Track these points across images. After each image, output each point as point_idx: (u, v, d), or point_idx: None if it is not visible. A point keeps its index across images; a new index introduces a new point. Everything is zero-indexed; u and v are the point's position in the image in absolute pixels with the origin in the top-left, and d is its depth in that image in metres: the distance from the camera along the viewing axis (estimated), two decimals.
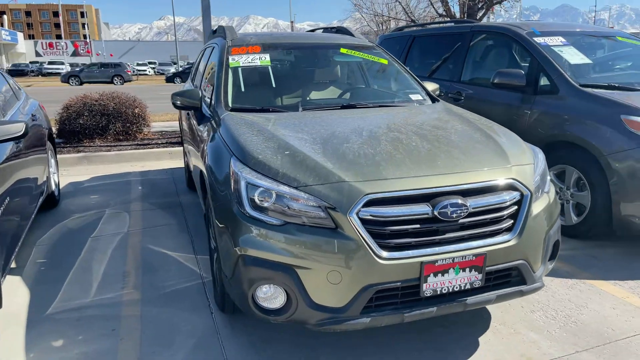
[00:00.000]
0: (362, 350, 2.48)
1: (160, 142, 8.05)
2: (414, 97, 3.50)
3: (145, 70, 49.00)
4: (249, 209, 2.19)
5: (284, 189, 2.15)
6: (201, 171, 3.05)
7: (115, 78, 34.98)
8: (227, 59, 3.49)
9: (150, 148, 7.54)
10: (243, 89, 3.34)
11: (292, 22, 49.66)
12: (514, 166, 2.37)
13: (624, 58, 4.80)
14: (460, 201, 2.12)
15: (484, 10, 10.11)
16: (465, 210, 2.12)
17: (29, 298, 3.07)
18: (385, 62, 3.85)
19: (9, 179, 3.05)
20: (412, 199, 2.11)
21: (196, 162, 3.48)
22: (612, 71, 4.54)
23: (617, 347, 2.48)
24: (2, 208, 2.74)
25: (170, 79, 37.32)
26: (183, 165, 6.67)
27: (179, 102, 3.38)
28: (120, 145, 7.72)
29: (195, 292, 3.14)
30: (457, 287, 2.17)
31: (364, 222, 2.06)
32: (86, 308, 2.95)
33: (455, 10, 10.12)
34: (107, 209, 4.83)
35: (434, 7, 10.63)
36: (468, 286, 2.19)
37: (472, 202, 2.15)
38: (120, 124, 8.25)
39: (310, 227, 2.10)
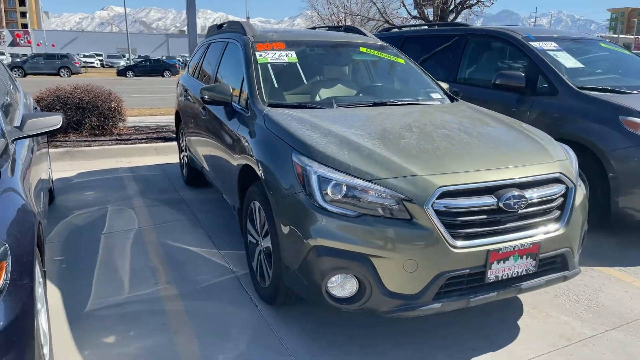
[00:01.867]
0: (412, 336, 2.61)
1: (140, 138, 7.83)
2: (434, 95, 3.66)
3: (92, 63, 46.93)
4: (321, 201, 2.26)
5: (359, 182, 2.23)
6: (241, 165, 3.06)
7: (62, 70, 33.36)
8: (254, 55, 3.51)
9: (132, 143, 7.33)
10: (276, 85, 3.38)
11: (247, 17, 49.15)
12: (557, 161, 2.57)
13: (607, 63, 5.20)
14: (521, 193, 2.28)
15: (454, 14, 10.53)
16: (524, 202, 2.29)
17: (60, 296, 2.98)
18: (402, 61, 3.99)
19: (37, 172, 2.94)
20: (479, 191, 2.26)
21: (224, 156, 3.48)
22: (598, 75, 4.91)
23: (638, 325, 2.74)
24: (41, 202, 2.65)
25: (121, 72, 36.03)
26: (174, 161, 6.58)
27: (207, 97, 3.37)
28: (100, 141, 7.45)
29: (232, 286, 3.15)
30: (515, 273, 2.34)
31: (437, 213, 2.18)
32: (126, 304, 2.90)
33: (428, 12, 10.51)
34: (109, 206, 4.70)
35: (406, 8, 10.95)
36: (524, 272, 2.36)
37: (529, 194, 2.33)
38: (95, 118, 7.96)
39: (385, 218, 2.20)
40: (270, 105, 3.12)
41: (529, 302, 2.97)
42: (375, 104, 3.31)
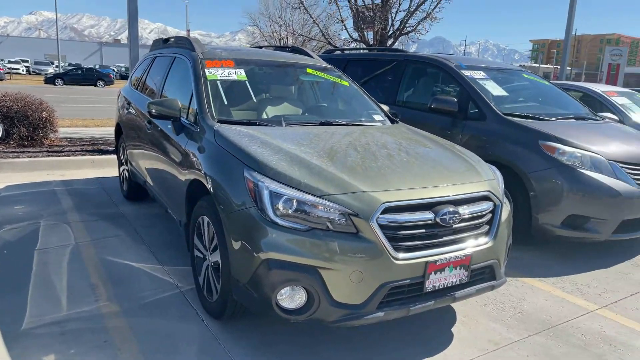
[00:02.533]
0: (355, 345, 2.73)
1: (74, 150, 7.52)
2: (376, 117, 3.88)
3: (18, 69, 44.08)
4: (273, 216, 2.35)
5: (309, 197, 2.35)
6: (189, 180, 3.08)
7: None
8: (204, 71, 3.56)
9: (66, 155, 7.03)
10: (225, 102, 3.44)
11: (188, 30, 48.45)
12: (486, 180, 2.83)
13: (528, 91, 5.71)
14: (455, 209, 2.50)
15: (392, 39, 11.07)
16: (458, 217, 2.51)
17: None
18: (346, 84, 4.19)
19: None
20: (419, 207, 2.45)
21: (171, 171, 3.48)
22: (521, 102, 5.39)
23: (558, 331, 3.04)
24: None
25: (50, 80, 34.15)
26: (112, 175, 6.39)
27: (154, 111, 3.37)
28: (29, 152, 7.08)
29: (177, 302, 3.14)
30: (450, 283, 2.54)
31: (381, 227, 2.34)
32: (65, 322, 2.81)
33: (368, 36, 10.97)
34: (42, 220, 4.49)
35: (348, 31, 11.36)
36: (458, 282, 2.57)
37: (462, 210, 2.55)
38: (24, 129, 7.58)
39: (334, 232, 2.32)
40: (220, 121, 3.18)
41: (461, 311, 3.20)
42: (321, 124, 3.46)
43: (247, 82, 3.66)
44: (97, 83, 35.59)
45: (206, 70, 3.57)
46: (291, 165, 2.53)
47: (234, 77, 3.63)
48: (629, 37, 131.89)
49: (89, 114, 14.18)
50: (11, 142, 7.43)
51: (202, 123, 3.18)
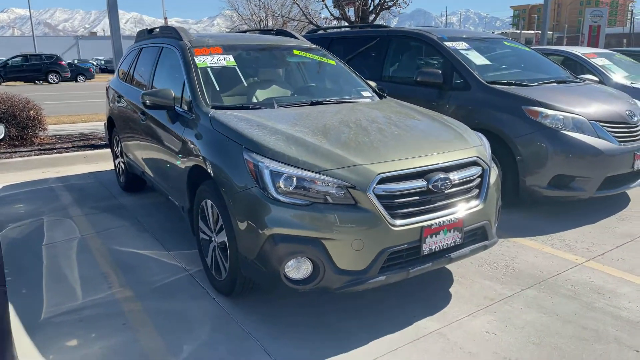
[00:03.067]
0: (358, 310, 2.90)
1: (65, 147, 7.55)
2: (364, 93, 3.99)
3: None
4: (275, 194, 2.48)
5: (308, 174, 2.48)
6: (189, 167, 3.18)
7: None
8: (193, 59, 3.63)
9: (58, 152, 7.06)
10: (218, 88, 3.53)
11: (165, 18, 47.65)
12: (474, 147, 2.98)
13: (510, 59, 5.84)
14: (446, 175, 2.65)
15: (374, 14, 11.09)
16: (449, 183, 2.66)
17: (11, 307, 2.94)
18: (333, 62, 4.28)
19: None
20: (412, 176, 2.59)
21: (170, 159, 3.57)
22: (503, 70, 5.52)
23: (548, 284, 3.23)
24: None
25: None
26: (106, 169, 6.45)
27: (148, 102, 3.45)
28: (21, 152, 7.11)
29: (187, 283, 3.28)
30: (445, 246, 2.70)
31: (378, 197, 2.48)
32: (82, 310, 2.94)
33: (350, 13, 10.98)
34: (45, 217, 4.58)
35: (329, 10, 11.35)
36: (452, 244, 2.73)
37: (452, 176, 2.70)
38: (14, 129, 7.58)
39: (333, 205, 2.46)
40: (214, 107, 3.27)
41: (458, 272, 3.38)
42: (312, 103, 3.56)
43: (236, 67, 3.74)
44: (78, 78, 35.05)
45: (195, 58, 3.64)
46: (288, 145, 2.65)
47: (223, 63, 3.70)
48: None
49: (75, 109, 14.08)
50: (2, 143, 7.44)
51: (196, 110, 3.27)
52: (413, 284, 3.17)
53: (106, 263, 3.58)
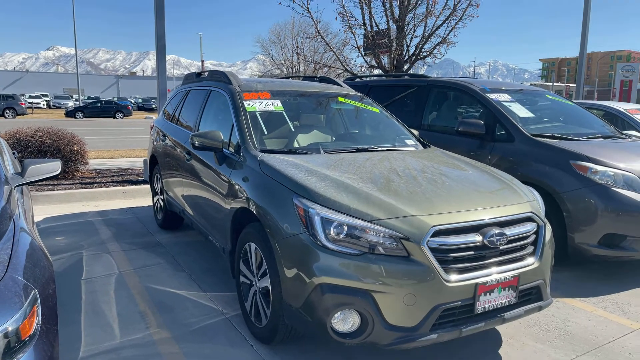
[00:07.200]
0: None
1: (105, 181, 7.72)
2: (408, 142, 3.97)
3: (39, 103, 45.40)
4: (325, 241, 2.43)
5: (359, 222, 2.43)
6: (235, 209, 3.18)
7: (7, 111, 32.03)
8: (242, 103, 3.70)
9: (98, 187, 7.22)
10: (265, 132, 3.57)
11: (202, 61, 49.70)
12: (528, 202, 2.89)
13: (551, 112, 5.77)
14: (501, 231, 2.56)
15: (408, 64, 11.26)
16: (505, 239, 2.56)
17: None
18: (377, 110, 4.31)
19: (32, 218, 2.94)
20: (467, 230, 2.51)
21: (214, 199, 3.59)
22: (546, 123, 5.44)
23: (604, 350, 3.03)
24: None
25: (70, 114, 35.12)
26: (144, 205, 6.55)
27: (197, 143, 3.50)
28: (63, 185, 7.30)
29: (224, 327, 3.20)
30: (499, 304, 2.57)
31: (432, 250, 2.40)
32: (120, 349, 2.89)
33: (384, 62, 11.19)
34: (84, 251, 4.62)
35: (364, 58, 11.59)
36: (507, 303, 2.60)
37: (508, 232, 2.60)
38: None
39: (385, 256, 2.39)
40: (262, 151, 3.29)
41: (506, 333, 3.21)
42: (358, 150, 3.56)
43: (283, 112, 3.79)
44: (116, 115, 36.48)
45: (244, 102, 3.72)
46: (338, 191, 2.62)
47: (272, 108, 3.76)
48: (639, 53, 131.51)
49: (112, 145, 14.54)
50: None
51: (245, 153, 3.30)
52: (458, 342, 3.01)
53: (143, 301, 3.55)
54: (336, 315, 2.41)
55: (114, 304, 3.49)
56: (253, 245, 2.95)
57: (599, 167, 4.18)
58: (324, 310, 2.40)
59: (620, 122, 7.12)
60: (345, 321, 2.42)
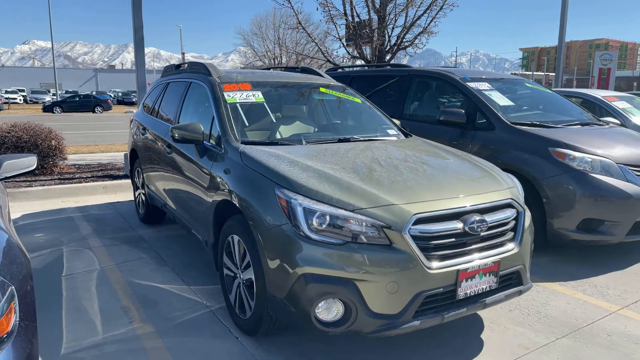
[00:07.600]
0: (390, 355, 2.79)
1: (85, 176, 7.60)
2: (390, 132, 3.98)
3: (15, 99, 44.37)
4: (307, 232, 2.43)
5: (342, 212, 2.43)
6: (217, 201, 3.15)
7: None
8: (223, 95, 3.66)
9: (77, 182, 7.10)
10: (247, 124, 3.54)
11: (183, 53, 48.97)
12: (508, 188, 2.92)
13: (530, 100, 5.84)
14: (482, 217, 2.59)
15: (390, 54, 11.27)
16: (485, 225, 2.59)
17: None
18: (359, 100, 4.31)
19: (7, 215, 2.88)
20: (448, 217, 2.53)
21: (195, 193, 3.55)
22: (525, 111, 5.51)
23: (583, 332, 3.10)
24: None
25: (48, 109, 34.42)
26: (125, 200, 6.47)
27: (177, 136, 3.46)
28: (41, 180, 7.16)
29: (208, 321, 3.19)
30: (480, 290, 2.61)
31: (413, 238, 2.42)
32: (103, 345, 2.86)
33: (366, 52, 11.18)
34: (64, 247, 4.55)
35: (346, 49, 11.57)
36: (488, 289, 2.64)
37: (488, 218, 2.64)
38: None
39: (368, 245, 2.40)
40: (243, 142, 3.27)
41: (488, 317, 3.26)
42: (340, 140, 3.55)
43: (264, 103, 3.77)
44: (95, 109, 35.87)
45: (225, 94, 3.68)
46: (320, 182, 2.61)
47: (252, 99, 3.73)
48: (617, 41, 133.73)
49: (92, 139, 14.30)
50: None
51: (226, 145, 3.27)
52: (441, 328, 3.05)
53: (126, 297, 3.52)
54: (320, 304, 2.42)
55: (96, 300, 3.45)
56: (236, 238, 2.94)
57: (576, 154, 4.26)
58: (308, 300, 2.41)
59: (598, 109, 7.24)
60: (329, 310, 2.43)
